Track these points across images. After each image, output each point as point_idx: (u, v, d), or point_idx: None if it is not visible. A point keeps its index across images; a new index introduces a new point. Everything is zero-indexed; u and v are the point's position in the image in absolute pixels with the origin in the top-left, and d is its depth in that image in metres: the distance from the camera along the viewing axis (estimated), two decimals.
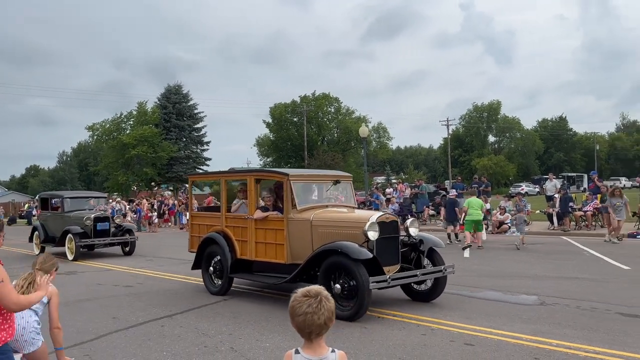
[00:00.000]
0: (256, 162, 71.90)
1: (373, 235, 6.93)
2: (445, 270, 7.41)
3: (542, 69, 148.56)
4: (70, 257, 14.30)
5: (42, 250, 15.62)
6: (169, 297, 8.74)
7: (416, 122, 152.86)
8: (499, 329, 6.15)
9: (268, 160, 69.04)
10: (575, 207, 18.88)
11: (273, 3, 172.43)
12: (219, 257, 8.69)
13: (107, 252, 15.86)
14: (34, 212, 33.49)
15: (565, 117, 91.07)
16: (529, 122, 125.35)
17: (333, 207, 8.22)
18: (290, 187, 7.80)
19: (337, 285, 6.76)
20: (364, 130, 29.08)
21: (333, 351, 2.32)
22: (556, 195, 19.61)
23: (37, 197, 37.54)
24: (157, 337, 6.26)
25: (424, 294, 7.71)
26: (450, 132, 73.97)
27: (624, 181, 61.36)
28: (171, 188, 48.72)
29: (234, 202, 9.14)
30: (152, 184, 46.49)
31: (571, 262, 11.42)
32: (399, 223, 7.75)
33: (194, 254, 9.35)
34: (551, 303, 7.46)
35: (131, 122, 50.76)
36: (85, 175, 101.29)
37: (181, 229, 25.96)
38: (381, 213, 7.64)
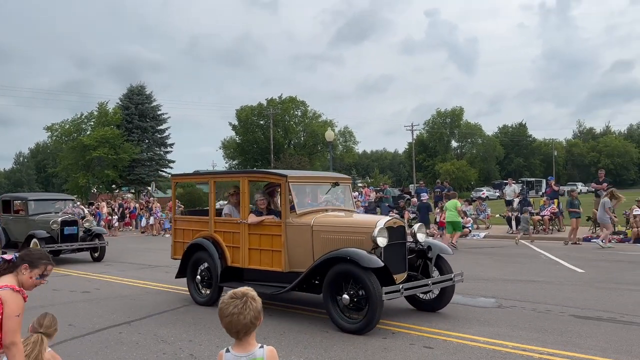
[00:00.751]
0: (222, 165, 71.32)
1: (382, 241, 6.45)
2: (455, 278, 7.03)
3: (504, 76, 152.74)
4: None
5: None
6: (128, 303, 8.55)
7: (383, 126, 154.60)
8: (458, 331, 6.26)
9: (234, 163, 68.64)
10: (533, 211, 19.42)
11: (241, 5, 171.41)
12: (206, 265, 8.09)
13: (72, 258, 15.24)
14: None
15: (525, 124, 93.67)
16: (490, 128, 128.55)
17: (333, 211, 7.71)
18: (289, 190, 7.32)
19: (346, 296, 6.27)
20: (330, 134, 29.32)
21: (261, 347, 2.42)
22: (515, 200, 20.14)
23: None
24: (114, 344, 6.12)
25: (430, 304, 7.32)
26: (414, 137, 75.21)
27: (580, 186, 63.54)
28: (132, 191, 47.78)
29: (225, 206, 8.63)
30: (113, 186, 45.52)
31: (528, 265, 11.74)
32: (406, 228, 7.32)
33: (176, 260, 8.77)
34: (508, 305, 7.65)
35: (92, 123, 49.53)
36: (43, 177, 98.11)
37: (142, 232, 25.49)
38: (388, 218, 7.05)
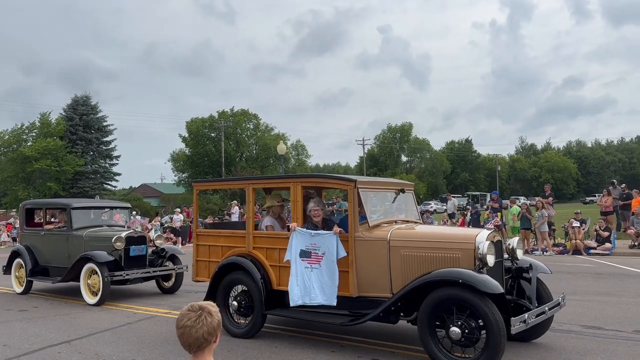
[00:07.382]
0: (170, 177, 69.95)
1: (491, 260, 5.52)
2: (562, 301, 6.10)
3: (455, 93, 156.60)
4: (91, 300, 9.51)
5: (29, 286, 10.95)
6: (68, 321, 8.19)
7: (339, 140, 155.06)
8: (404, 342, 6.34)
9: (183, 176, 67.46)
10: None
11: (199, 14, 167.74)
12: (242, 288, 6.91)
13: (129, 289, 11.07)
14: None
15: (471, 140, 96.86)
16: (440, 143, 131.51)
17: (402, 222, 6.70)
18: (358, 197, 6.25)
19: (455, 329, 5.18)
20: (281, 148, 29.49)
21: None
22: (457, 212, 20.81)
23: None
24: None
25: (524, 332, 5.66)
26: (366, 151, 76.39)
27: (522, 200, 66.10)
28: None
29: (265, 220, 7.51)
30: None
31: None
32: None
33: (199, 282, 7.78)
34: None
35: (33, 134, 47.64)
36: None
37: None
38: (488, 231, 5.94)
